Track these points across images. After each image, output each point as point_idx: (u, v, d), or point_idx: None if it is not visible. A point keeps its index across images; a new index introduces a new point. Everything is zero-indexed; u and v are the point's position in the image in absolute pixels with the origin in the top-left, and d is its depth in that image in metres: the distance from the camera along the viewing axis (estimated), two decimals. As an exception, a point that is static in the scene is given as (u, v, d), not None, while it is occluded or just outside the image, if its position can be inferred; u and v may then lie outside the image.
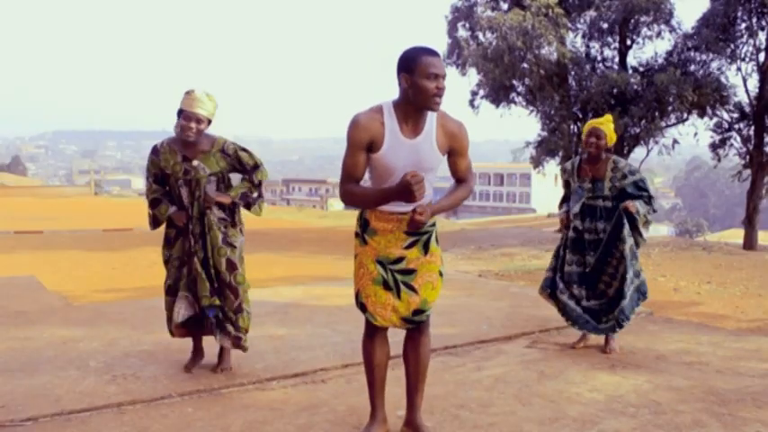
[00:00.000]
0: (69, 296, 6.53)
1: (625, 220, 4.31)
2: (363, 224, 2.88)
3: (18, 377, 3.83)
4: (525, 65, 14.49)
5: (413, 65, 2.62)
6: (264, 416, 3.29)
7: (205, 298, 3.78)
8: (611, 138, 4.36)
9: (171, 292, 3.89)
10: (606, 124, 4.37)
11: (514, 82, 15.43)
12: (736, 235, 29.67)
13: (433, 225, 2.89)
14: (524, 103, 16.22)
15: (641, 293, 4.43)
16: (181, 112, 3.71)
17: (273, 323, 5.18)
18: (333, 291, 6.46)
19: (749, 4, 13.94)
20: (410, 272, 2.82)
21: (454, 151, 2.80)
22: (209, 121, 3.79)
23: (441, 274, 2.90)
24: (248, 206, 3.93)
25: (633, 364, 4.19)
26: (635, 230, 4.36)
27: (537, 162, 16.62)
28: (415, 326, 2.90)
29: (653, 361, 4.28)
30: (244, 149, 3.91)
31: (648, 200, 4.37)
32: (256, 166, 3.90)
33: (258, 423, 3.20)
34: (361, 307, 2.89)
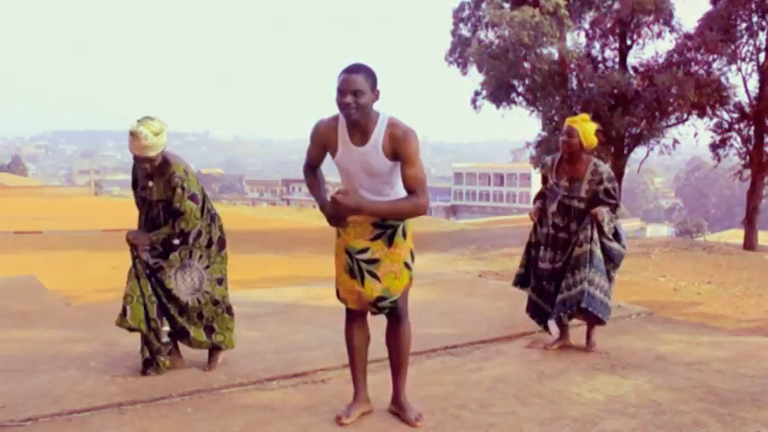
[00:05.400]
0: (69, 296, 6.53)
1: (590, 226, 4.22)
2: None
3: (18, 377, 3.83)
4: (527, 64, 14.51)
5: (336, 82, 2.86)
6: (264, 416, 3.29)
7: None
8: (585, 137, 4.18)
9: None
10: (581, 123, 4.22)
11: (516, 81, 15.45)
12: (737, 235, 29.66)
13: (399, 222, 3.05)
14: (525, 103, 16.24)
15: (606, 307, 4.26)
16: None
17: (273, 323, 5.18)
18: (333, 291, 6.44)
19: (750, 4, 13.95)
20: (374, 261, 3.06)
21: (399, 157, 2.94)
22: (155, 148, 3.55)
23: (407, 267, 3.09)
24: (172, 249, 3.79)
25: (633, 364, 4.19)
26: (602, 236, 4.24)
27: (537, 162, 16.62)
28: (380, 312, 3.11)
29: (653, 361, 4.28)
30: (182, 187, 3.66)
31: (614, 208, 4.27)
32: (180, 213, 3.69)
33: (258, 423, 3.20)
34: (337, 292, 3.22)
